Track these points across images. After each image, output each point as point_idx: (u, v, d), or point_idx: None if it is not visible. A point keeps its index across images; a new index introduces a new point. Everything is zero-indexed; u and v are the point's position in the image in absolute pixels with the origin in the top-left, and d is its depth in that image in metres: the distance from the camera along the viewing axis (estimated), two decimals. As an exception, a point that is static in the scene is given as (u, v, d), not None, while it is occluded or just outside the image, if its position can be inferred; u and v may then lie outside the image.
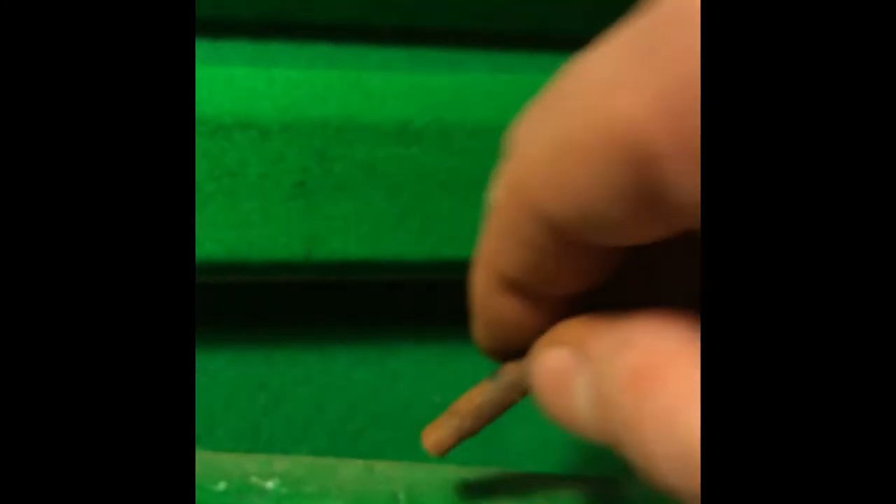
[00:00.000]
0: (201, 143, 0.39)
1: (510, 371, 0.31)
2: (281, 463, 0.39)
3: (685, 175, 0.21)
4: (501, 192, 0.28)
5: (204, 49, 0.46)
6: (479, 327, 0.31)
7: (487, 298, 0.29)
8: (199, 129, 0.39)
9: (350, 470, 0.39)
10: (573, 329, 0.28)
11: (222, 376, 0.45)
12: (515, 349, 0.31)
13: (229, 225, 0.40)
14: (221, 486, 0.38)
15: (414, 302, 0.47)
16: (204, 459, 0.39)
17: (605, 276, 0.28)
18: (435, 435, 0.32)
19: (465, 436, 0.32)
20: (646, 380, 0.23)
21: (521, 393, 0.31)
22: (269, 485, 0.38)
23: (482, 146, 0.42)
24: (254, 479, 0.38)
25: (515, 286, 0.28)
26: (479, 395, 0.32)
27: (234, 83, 0.40)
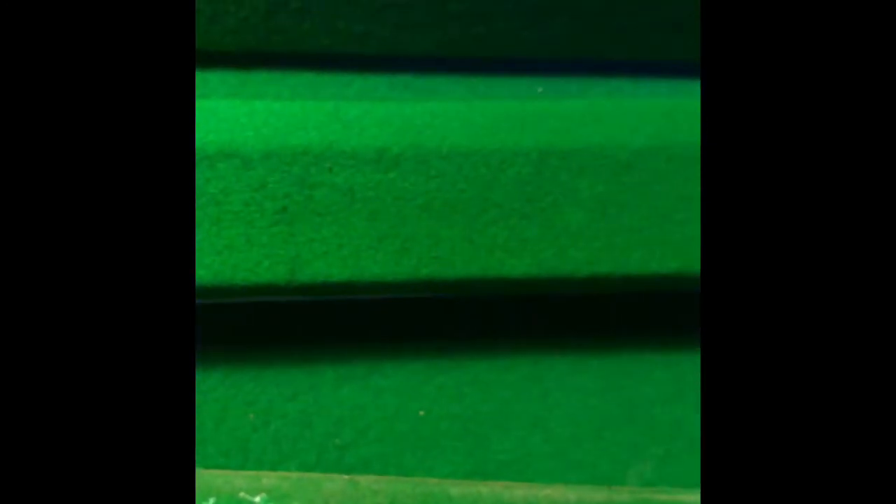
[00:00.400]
0: (187, 173, 0.41)
1: None
2: (268, 478, 0.41)
3: None
4: None
5: (189, 80, 0.47)
6: None
7: None
8: (185, 158, 0.41)
9: (335, 484, 0.41)
10: None
11: (213, 395, 0.46)
12: None
13: (215, 250, 0.42)
14: (211, 501, 0.39)
15: (396, 320, 0.49)
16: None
17: None
18: None
19: None
20: None
21: None
22: (257, 500, 0.40)
23: (457, 170, 0.43)
24: (242, 495, 0.40)
25: None
26: None
27: (216, 114, 0.42)
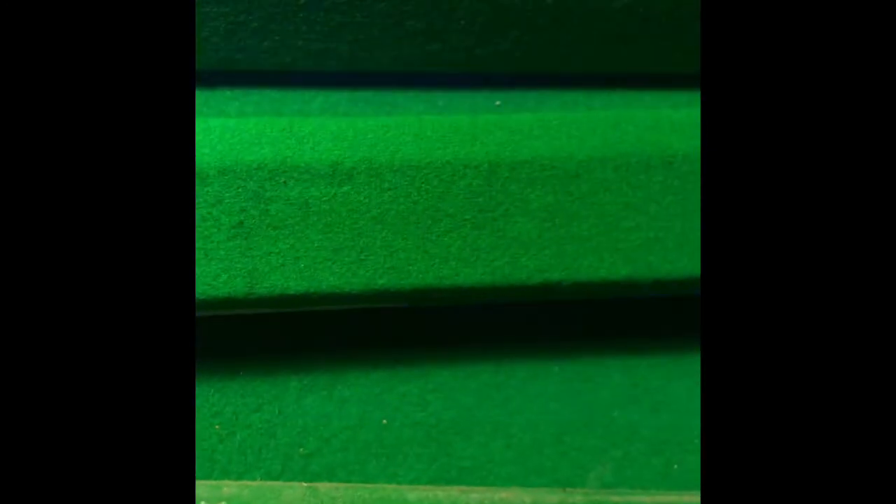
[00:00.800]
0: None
1: None
2: (229, 487, 0.42)
3: None
4: None
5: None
6: None
7: None
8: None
9: (295, 492, 0.42)
10: None
11: (178, 407, 0.47)
12: None
13: (174, 265, 0.43)
14: (172, 511, 0.40)
15: (360, 330, 0.50)
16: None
17: None
18: None
19: None
20: None
21: None
22: (217, 508, 0.41)
23: (410, 182, 0.44)
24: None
25: None
26: None
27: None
